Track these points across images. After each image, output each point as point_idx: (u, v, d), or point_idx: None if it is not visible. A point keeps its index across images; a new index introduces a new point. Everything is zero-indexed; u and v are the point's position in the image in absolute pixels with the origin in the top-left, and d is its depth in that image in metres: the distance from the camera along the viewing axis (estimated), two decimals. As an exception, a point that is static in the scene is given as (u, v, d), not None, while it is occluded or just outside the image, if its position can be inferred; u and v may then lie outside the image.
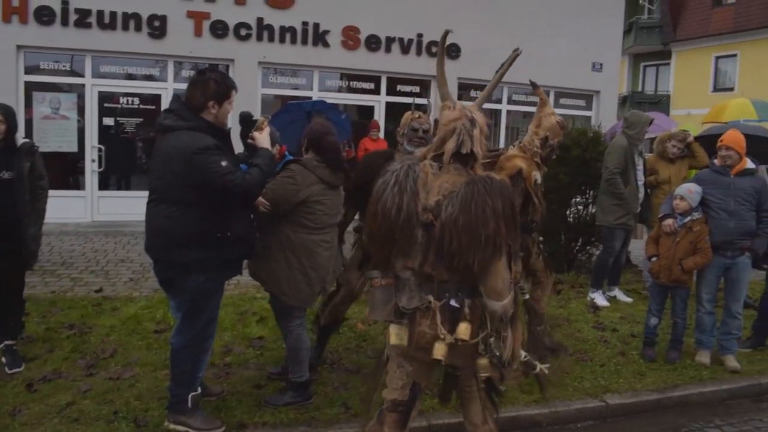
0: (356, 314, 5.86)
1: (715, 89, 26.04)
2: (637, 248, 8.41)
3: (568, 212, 8.03)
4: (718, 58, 26.04)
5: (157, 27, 10.18)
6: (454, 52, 12.09)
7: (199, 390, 3.77)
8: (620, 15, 13.98)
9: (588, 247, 8.20)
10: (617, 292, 7.09)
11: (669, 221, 5.09)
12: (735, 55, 25.26)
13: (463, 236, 2.64)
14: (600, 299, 6.79)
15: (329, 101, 10.18)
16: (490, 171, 4.12)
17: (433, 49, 11.93)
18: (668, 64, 28.35)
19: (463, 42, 12.06)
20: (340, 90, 11.70)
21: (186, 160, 3.34)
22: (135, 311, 5.81)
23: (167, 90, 10.44)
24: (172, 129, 3.47)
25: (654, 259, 5.17)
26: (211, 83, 3.50)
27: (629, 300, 6.98)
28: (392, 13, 11.49)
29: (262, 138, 3.70)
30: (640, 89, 29.52)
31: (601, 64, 13.43)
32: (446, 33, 3.26)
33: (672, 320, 5.34)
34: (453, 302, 2.78)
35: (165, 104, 10.41)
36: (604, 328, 5.95)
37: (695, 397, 4.71)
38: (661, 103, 27.43)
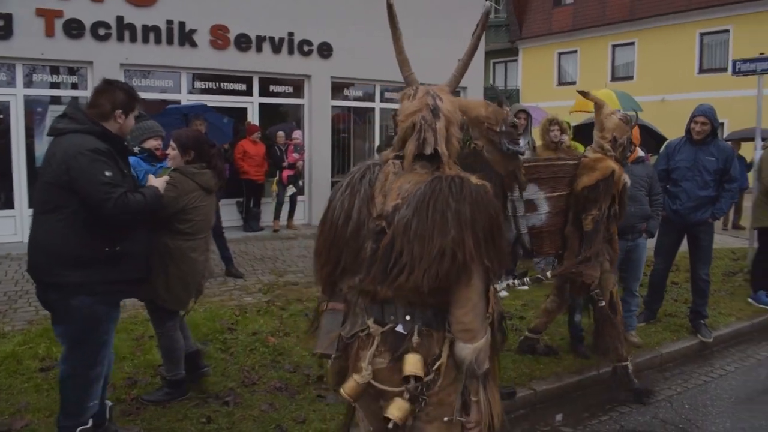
0: (265, 328, 5.60)
1: (559, 83, 27.92)
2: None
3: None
4: (560, 54, 27.96)
5: (1, 27, 9.15)
6: (326, 51, 11.96)
7: (90, 423, 3.35)
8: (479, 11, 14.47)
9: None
10: (515, 281, 7.30)
11: None
12: (575, 52, 27.24)
13: (415, 245, 2.04)
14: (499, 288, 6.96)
15: (199, 103, 9.70)
16: (571, 173, 4.28)
17: (305, 48, 11.74)
18: (516, 60, 30.05)
19: (334, 40, 11.96)
20: (210, 92, 11.14)
21: (68, 160, 3.02)
22: (12, 348, 5.07)
23: (16, 97, 9.42)
24: (63, 132, 3.15)
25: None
26: (119, 92, 3.28)
27: (525, 287, 7.21)
28: (262, 11, 11.13)
29: (157, 181, 3.59)
30: (491, 85, 31.00)
31: (466, 61, 13.87)
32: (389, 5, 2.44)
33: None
34: (400, 328, 2.14)
35: (15, 112, 9.43)
36: (511, 317, 6.11)
37: (609, 374, 4.93)
38: (511, 97, 28.94)
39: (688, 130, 5.72)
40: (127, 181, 3.27)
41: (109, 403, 3.67)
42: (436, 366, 2.12)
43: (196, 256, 3.96)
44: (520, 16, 28.93)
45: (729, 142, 9.64)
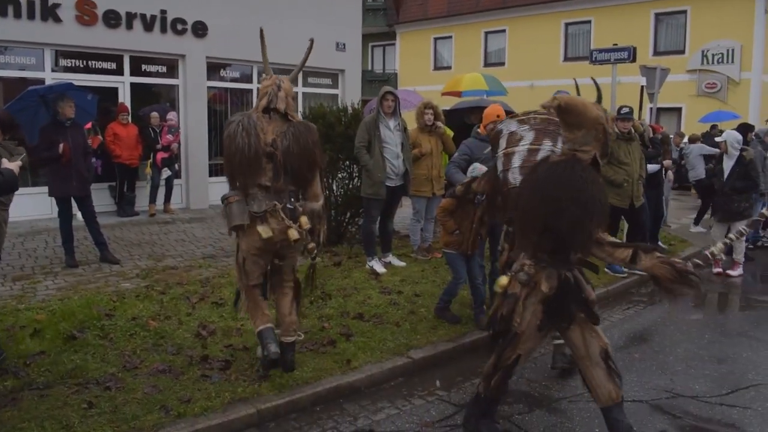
0: (145, 312, 5.51)
1: (436, 68, 28.68)
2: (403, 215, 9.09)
3: (335, 186, 8.33)
4: (436, 39, 28.70)
5: None
6: (200, 30, 11.68)
7: None
8: (359, -4, 14.65)
9: (356, 219, 8.59)
10: (391, 258, 7.58)
11: (458, 188, 5.45)
12: (450, 37, 28.06)
13: (300, 159, 4.17)
14: (377, 266, 7.20)
15: (65, 82, 9.21)
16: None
17: (179, 27, 11.39)
18: (393, 44, 30.51)
19: (210, 20, 11.70)
20: (77, 70, 10.55)
21: None
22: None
23: None
24: None
25: (457, 233, 5.37)
26: None
27: (403, 264, 7.52)
28: (132, -14, 10.71)
29: (12, 164, 3.78)
30: (370, 68, 31.31)
31: (344, 44, 13.99)
32: (261, 32, 4.76)
33: (471, 284, 5.71)
34: (290, 204, 4.22)
35: None
36: (390, 291, 6.35)
37: (482, 341, 5.22)
38: (389, 81, 29.39)
39: None
40: None
41: None
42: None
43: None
44: (397, 1, 29.39)
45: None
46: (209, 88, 12.26)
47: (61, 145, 6.96)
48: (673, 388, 4.64)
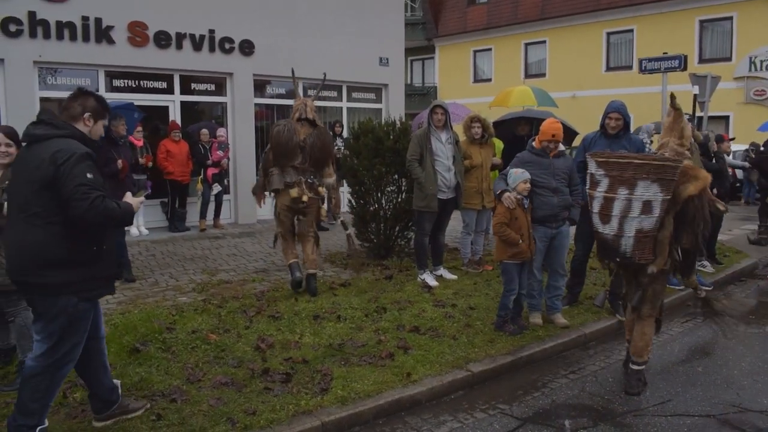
0: (204, 326, 5.61)
1: (475, 80, 28.68)
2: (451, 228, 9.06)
3: (383, 201, 8.37)
4: (475, 52, 28.71)
5: None
6: (247, 48, 11.91)
7: (47, 423, 3.48)
8: (401, 10, 14.77)
9: (406, 232, 8.60)
10: (443, 271, 7.57)
11: (507, 194, 5.41)
12: (490, 50, 28.04)
13: (320, 151, 6.62)
14: (429, 279, 7.20)
15: (119, 102, 9.52)
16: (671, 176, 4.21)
17: (227, 45, 11.64)
18: (432, 58, 30.63)
19: (256, 38, 11.93)
20: (129, 90, 10.87)
21: (58, 162, 3.15)
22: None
23: None
24: (43, 138, 3.28)
25: (521, 241, 5.40)
26: (91, 98, 3.51)
27: (454, 277, 7.50)
28: (182, 7, 10.99)
29: (134, 200, 3.58)
30: (409, 82, 31.46)
31: (387, 59, 14.10)
32: (292, 72, 7.38)
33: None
34: (311, 179, 6.61)
35: None
36: (444, 305, 6.34)
37: (539, 354, 5.26)
38: (429, 94, 29.51)
39: (603, 125, 6.09)
40: (105, 187, 3.35)
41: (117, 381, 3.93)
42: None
43: None
44: (436, 15, 29.53)
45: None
46: (256, 104, 12.48)
47: (120, 162, 7.17)
48: (740, 403, 4.52)
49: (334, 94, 13.71)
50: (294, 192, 6.47)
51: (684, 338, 6.07)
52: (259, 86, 12.59)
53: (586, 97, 23.32)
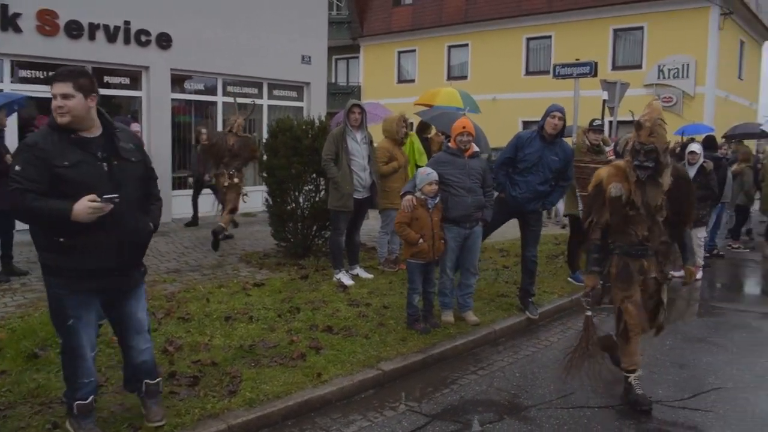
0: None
1: (399, 81, 28.91)
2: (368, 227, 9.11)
3: (301, 200, 8.31)
4: (400, 53, 28.94)
5: None
6: (165, 41, 11.58)
7: (90, 399, 3.58)
8: (324, 9, 14.72)
9: (323, 232, 8.57)
10: (359, 270, 7.58)
11: (407, 197, 5.53)
12: (414, 51, 28.33)
13: (242, 153, 9.13)
14: (345, 278, 7.19)
15: (25, 94, 9.04)
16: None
17: (143, 38, 11.28)
18: (357, 57, 30.67)
19: (175, 31, 11.61)
20: (37, 81, 10.32)
21: None
22: None
23: None
24: None
25: (421, 241, 5.48)
26: None
27: (371, 276, 7.52)
28: (94, -3, 10.57)
29: (84, 205, 3.20)
30: (333, 81, 31.39)
31: (310, 57, 14.02)
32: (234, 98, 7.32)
33: (423, 292, 5.79)
34: (233, 171, 9.06)
35: None
36: (358, 304, 6.35)
37: (450, 352, 5.36)
38: (353, 93, 29.52)
39: (542, 126, 6.18)
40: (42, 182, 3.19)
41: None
42: None
43: None
44: (361, 14, 29.58)
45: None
46: (173, 100, 12.15)
47: (8, 156, 6.72)
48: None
49: (255, 91, 13.51)
50: (222, 178, 8.89)
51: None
52: (177, 81, 12.25)
53: (505, 100, 23.90)
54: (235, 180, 8.94)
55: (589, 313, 4.62)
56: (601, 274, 4.54)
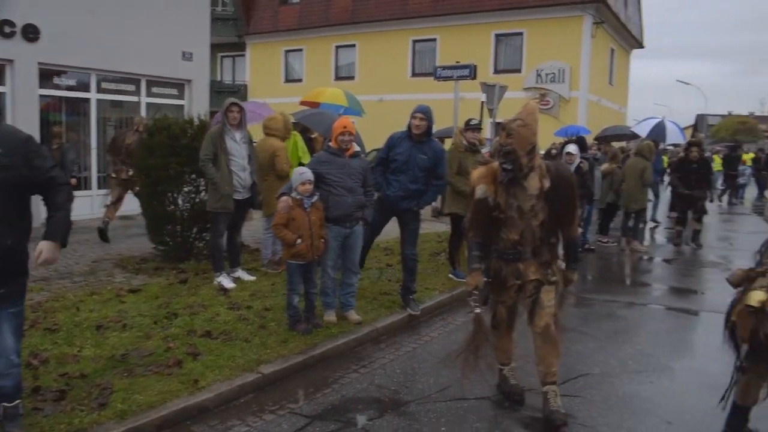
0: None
1: (287, 80, 28.64)
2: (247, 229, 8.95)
3: (180, 201, 8.05)
4: (287, 52, 28.67)
5: None
6: (32, 33, 10.83)
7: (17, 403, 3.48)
8: (206, 5, 14.32)
9: (204, 234, 8.32)
10: (240, 272, 7.44)
11: (283, 198, 5.53)
12: (301, 50, 28.15)
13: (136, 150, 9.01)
14: (226, 281, 7.03)
15: None
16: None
17: (7, 29, 10.51)
18: (243, 55, 30.09)
19: (43, 23, 10.89)
20: None
21: None
22: None
23: None
24: None
25: (299, 242, 5.45)
26: None
27: (253, 278, 7.40)
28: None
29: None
30: (219, 79, 30.66)
31: (191, 53, 13.59)
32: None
33: (305, 293, 5.79)
34: (126, 166, 9.55)
35: None
36: (239, 307, 6.22)
37: (332, 351, 5.36)
38: (239, 92, 28.97)
39: (409, 127, 6.34)
40: None
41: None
42: None
43: None
44: (248, 12, 29.06)
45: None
46: (42, 96, 11.40)
47: None
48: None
49: (132, 87, 12.94)
50: (119, 172, 9.56)
51: (469, 327, 6.48)
52: (47, 76, 11.51)
53: (392, 101, 24.23)
54: (130, 173, 9.33)
55: (478, 310, 4.34)
56: (483, 271, 4.31)
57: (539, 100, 22.47)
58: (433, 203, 12.46)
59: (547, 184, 4.14)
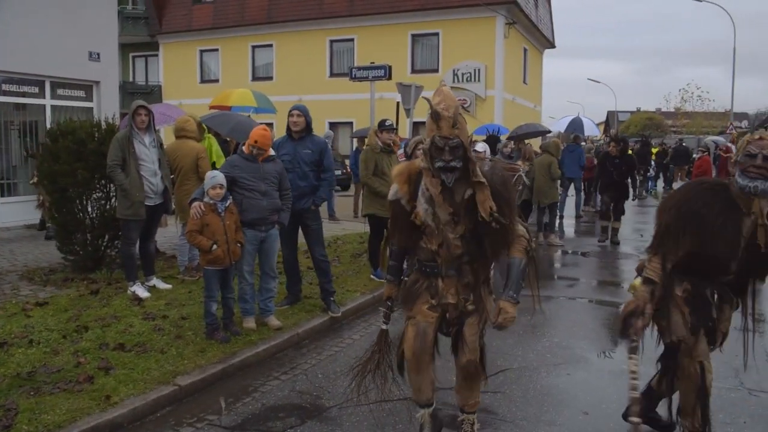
0: None
1: (203, 81, 27.99)
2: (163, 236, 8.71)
3: (90, 208, 7.72)
4: (202, 51, 28.01)
5: None
6: None
7: None
8: (114, 4, 13.77)
9: (116, 242, 8.00)
10: (155, 281, 7.21)
11: (194, 204, 5.39)
12: (217, 50, 27.57)
13: None
14: (141, 291, 6.80)
15: None
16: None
17: None
18: (157, 55, 29.20)
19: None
20: None
21: None
22: None
23: None
24: None
25: (215, 247, 5.33)
26: None
27: (169, 286, 7.18)
28: None
29: None
30: (131, 79, 29.66)
31: (98, 54, 13.03)
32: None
33: (224, 299, 5.67)
34: None
35: None
36: (154, 317, 6.02)
37: (252, 359, 5.27)
38: (153, 93, 28.12)
39: (288, 126, 6.38)
40: None
41: None
42: None
43: None
44: (159, 10, 28.21)
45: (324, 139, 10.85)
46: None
47: None
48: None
49: (35, 90, 12.29)
50: None
51: (391, 327, 6.51)
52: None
53: (311, 101, 24.01)
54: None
55: (384, 327, 3.91)
56: (398, 284, 3.77)
57: (459, 100, 22.88)
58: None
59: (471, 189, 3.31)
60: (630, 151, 13.36)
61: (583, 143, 19.51)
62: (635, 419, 3.39)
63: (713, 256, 3.34)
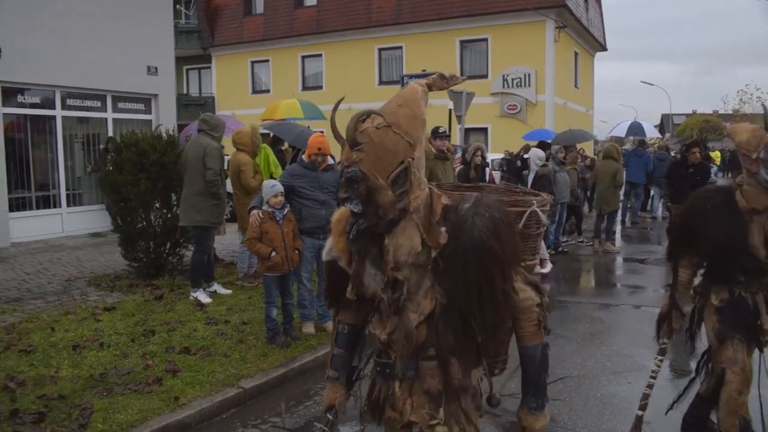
0: None
1: (254, 91, 28.53)
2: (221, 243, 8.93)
3: (152, 217, 8.00)
4: (253, 63, 28.57)
5: None
6: (-8, 52, 10.68)
7: None
8: (170, 19, 14.25)
9: (177, 249, 8.28)
10: (216, 286, 7.42)
11: (254, 212, 5.55)
12: (267, 61, 28.08)
13: None
14: (203, 296, 7.01)
15: None
16: None
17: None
18: (209, 67, 29.90)
19: (4, 42, 10.72)
20: None
21: None
22: None
23: None
24: None
25: (274, 254, 5.48)
26: None
27: (229, 292, 7.39)
28: None
29: None
30: (185, 92, 30.42)
31: (156, 67, 13.50)
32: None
33: (283, 305, 5.82)
34: None
35: None
36: (216, 322, 6.21)
37: (311, 363, 5.38)
38: (206, 104, 28.75)
39: None
40: None
41: None
42: None
43: None
44: (212, 24, 28.91)
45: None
46: (5, 115, 11.22)
47: None
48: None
49: (98, 104, 12.79)
50: None
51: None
52: (10, 94, 11.33)
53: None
54: None
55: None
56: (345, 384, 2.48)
57: (510, 106, 22.74)
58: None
59: (442, 241, 2.00)
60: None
61: (649, 148, 19.12)
62: (640, 412, 3.70)
63: (727, 252, 3.32)
